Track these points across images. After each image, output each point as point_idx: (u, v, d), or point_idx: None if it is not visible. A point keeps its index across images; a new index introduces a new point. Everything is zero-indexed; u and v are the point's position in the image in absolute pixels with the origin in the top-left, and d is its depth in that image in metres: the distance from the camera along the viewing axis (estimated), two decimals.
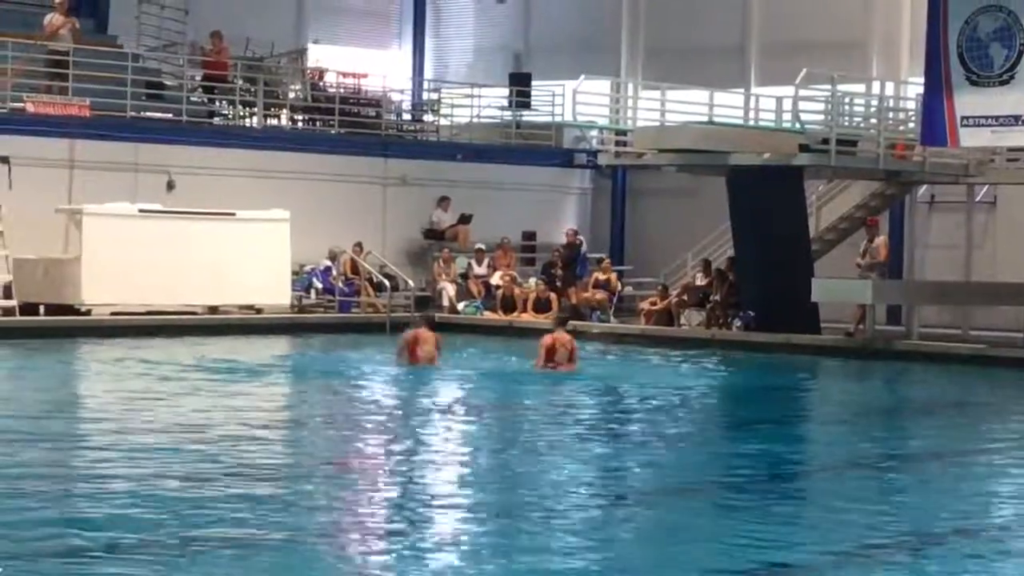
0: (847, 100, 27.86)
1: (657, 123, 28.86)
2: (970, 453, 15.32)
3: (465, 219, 32.28)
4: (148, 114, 30.39)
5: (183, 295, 26.95)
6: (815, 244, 28.06)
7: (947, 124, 24.31)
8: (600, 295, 29.99)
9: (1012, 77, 23.98)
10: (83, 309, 25.95)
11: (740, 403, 19.93)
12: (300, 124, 33.25)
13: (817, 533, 10.73)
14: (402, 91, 36.73)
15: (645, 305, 29.08)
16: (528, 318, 29.03)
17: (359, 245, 29.83)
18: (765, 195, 26.43)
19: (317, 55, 35.89)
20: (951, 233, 29.21)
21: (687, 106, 29.04)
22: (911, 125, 27.44)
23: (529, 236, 33.84)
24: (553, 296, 29.53)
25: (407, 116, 36.46)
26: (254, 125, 31.83)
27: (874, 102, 28.17)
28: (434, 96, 36.77)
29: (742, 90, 31.93)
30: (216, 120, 31.90)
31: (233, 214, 27.76)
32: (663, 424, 16.92)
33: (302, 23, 37.12)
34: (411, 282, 29.70)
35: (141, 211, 26.93)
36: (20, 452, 13.21)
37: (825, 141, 25.98)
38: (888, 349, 25.36)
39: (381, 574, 9.32)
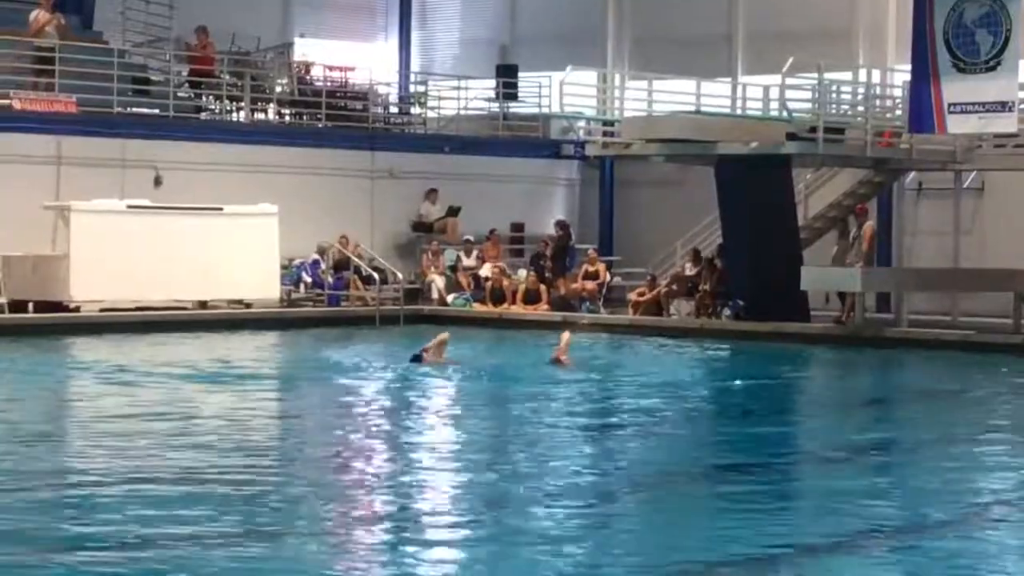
0: (834, 88, 27.88)
1: (644, 113, 28.84)
2: (960, 440, 15.33)
3: (453, 211, 32.26)
4: (135, 110, 30.32)
5: (172, 291, 26.92)
6: (803, 232, 28.07)
7: (934, 111, 24.35)
8: (590, 286, 30.00)
9: (999, 63, 24.02)
10: (72, 306, 25.93)
11: (729, 392, 19.92)
12: (287, 118, 33.18)
13: (807, 521, 10.76)
14: (389, 84, 36.68)
15: (633, 296, 29.09)
16: (518, 310, 29.04)
17: (344, 238, 29.79)
18: (753, 184, 26.44)
19: (303, 49, 35.80)
20: (939, 220, 29.23)
21: (674, 96, 29.02)
22: (898, 112, 27.49)
23: (517, 228, 33.82)
24: (542, 287, 29.54)
25: (394, 109, 36.40)
26: (241, 120, 31.75)
27: (861, 90, 28.19)
28: (421, 89, 36.72)
29: (729, 79, 31.93)
30: (203, 115, 31.83)
31: (221, 209, 27.74)
32: (652, 415, 16.92)
33: (288, 17, 37.02)
34: (400, 275, 29.68)
35: (129, 207, 26.91)
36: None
37: (812, 129, 26.00)
38: (878, 336, 25.38)
39: (377, 569, 9.32)
